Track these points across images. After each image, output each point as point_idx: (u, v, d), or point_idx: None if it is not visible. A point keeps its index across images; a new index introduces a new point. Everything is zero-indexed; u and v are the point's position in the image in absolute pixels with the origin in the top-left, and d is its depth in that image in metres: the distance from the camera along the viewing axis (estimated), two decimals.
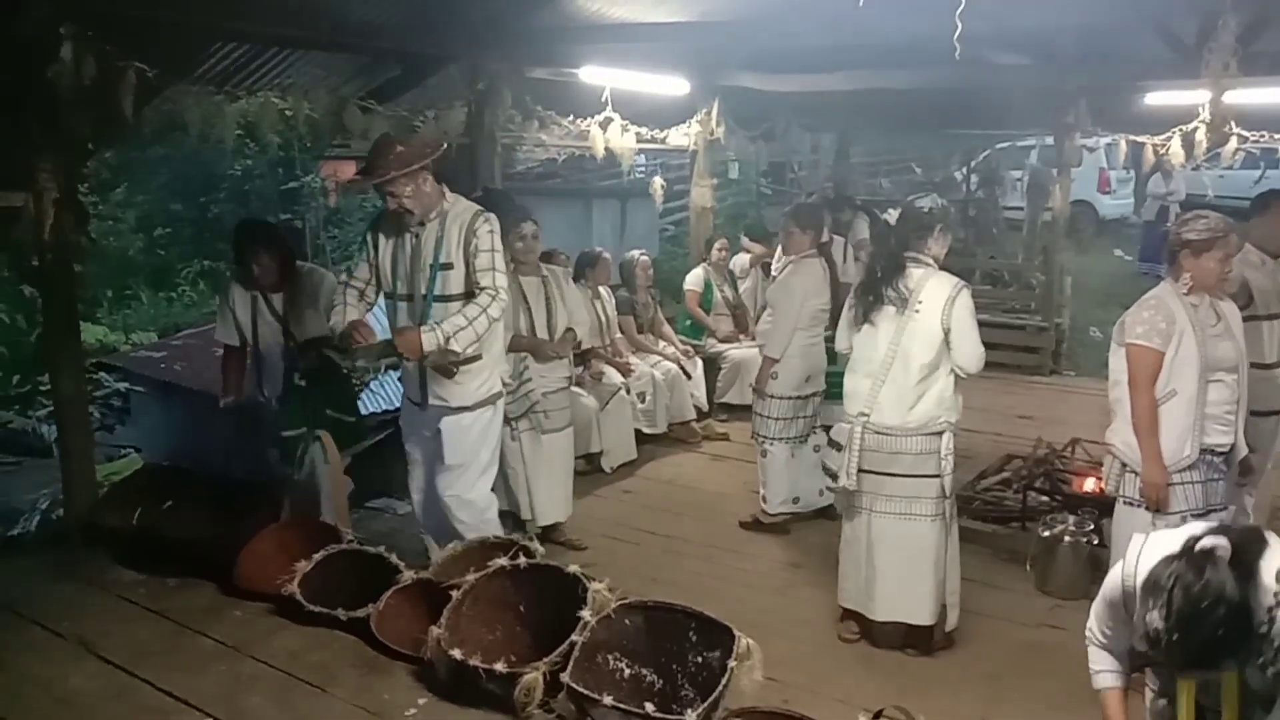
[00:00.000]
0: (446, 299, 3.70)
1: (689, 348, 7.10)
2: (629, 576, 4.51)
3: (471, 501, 3.91)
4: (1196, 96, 7.47)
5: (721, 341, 7.32)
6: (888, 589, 3.78)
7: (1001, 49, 7.08)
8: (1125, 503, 3.50)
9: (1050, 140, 15.16)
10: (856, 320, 3.72)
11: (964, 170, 13.95)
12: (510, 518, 4.91)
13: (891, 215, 3.72)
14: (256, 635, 3.54)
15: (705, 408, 7.00)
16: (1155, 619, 1.87)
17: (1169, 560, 1.92)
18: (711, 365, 7.17)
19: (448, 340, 3.54)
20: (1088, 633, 2.42)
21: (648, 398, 6.48)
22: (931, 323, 3.57)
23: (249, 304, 4.47)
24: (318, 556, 3.66)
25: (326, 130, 5.39)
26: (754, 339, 7.34)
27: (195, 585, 3.92)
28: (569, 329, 4.98)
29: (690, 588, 4.43)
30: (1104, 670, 2.39)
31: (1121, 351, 3.41)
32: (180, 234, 15.32)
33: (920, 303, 3.58)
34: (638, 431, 6.36)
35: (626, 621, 3.03)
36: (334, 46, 5.48)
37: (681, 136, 7.69)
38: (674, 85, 7.20)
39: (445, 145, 3.76)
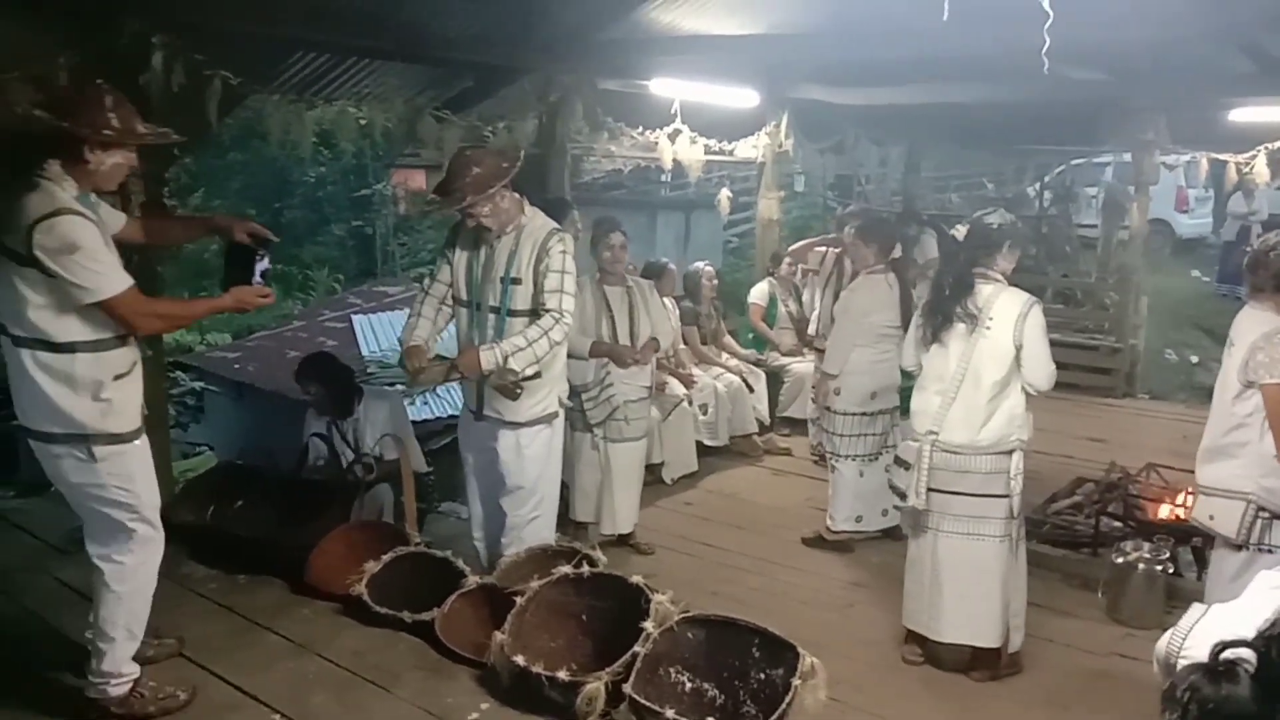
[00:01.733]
0: (513, 314, 3.70)
1: (753, 357, 7.07)
2: (688, 589, 4.49)
3: (537, 523, 3.91)
4: None
5: (784, 355, 7.27)
6: (953, 610, 3.71)
7: (1078, 64, 6.92)
8: (1263, 549, 3.37)
9: (1127, 157, 14.90)
10: (925, 340, 3.67)
11: (1037, 186, 13.67)
12: (571, 525, 4.95)
13: (960, 231, 3.67)
14: (323, 634, 3.60)
15: (767, 421, 6.95)
16: None
17: (1191, 670, 1.86)
18: (774, 379, 7.13)
19: (506, 360, 3.53)
20: None
21: (710, 410, 6.46)
22: (1003, 339, 3.51)
23: (325, 427, 4.76)
24: (385, 558, 3.71)
25: (401, 139, 5.49)
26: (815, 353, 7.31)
27: (265, 582, 4.00)
28: (652, 337, 4.99)
29: (750, 603, 4.40)
30: None
31: (1249, 392, 3.29)
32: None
33: (991, 319, 3.52)
34: (699, 443, 6.34)
35: (689, 634, 3.02)
36: (410, 57, 5.59)
37: (750, 148, 7.67)
38: (743, 97, 7.19)
39: (520, 160, 3.73)
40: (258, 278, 3.27)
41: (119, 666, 3.10)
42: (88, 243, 2.82)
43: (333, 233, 15.69)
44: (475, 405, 3.88)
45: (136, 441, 3.05)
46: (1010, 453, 3.59)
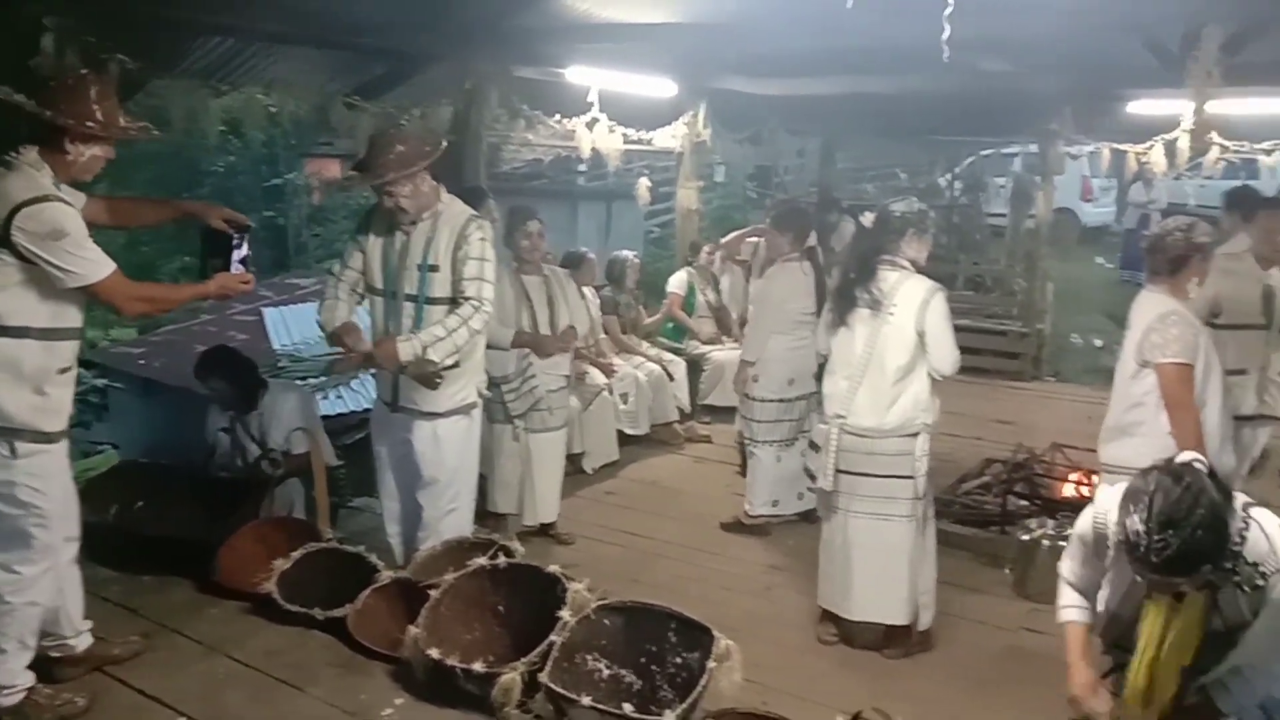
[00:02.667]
0: (431, 302, 3.63)
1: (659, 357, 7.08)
2: (610, 578, 4.50)
3: (454, 516, 3.86)
4: (1179, 105, 7.58)
5: (704, 344, 7.32)
6: (863, 589, 3.80)
7: (988, 55, 7.09)
8: None
9: (1034, 148, 15.35)
10: (833, 323, 3.74)
11: (948, 176, 14.00)
12: (491, 517, 4.92)
13: (867, 219, 3.74)
14: (234, 634, 3.51)
15: (688, 409, 7.00)
16: (1135, 523, 1.94)
17: (1145, 473, 1.98)
18: (694, 367, 7.18)
19: (425, 350, 3.47)
20: (1059, 569, 2.58)
21: (631, 398, 6.48)
22: (906, 326, 3.59)
23: (229, 423, 4.59)
24: (296, 555, 3.64)
25: (312, 127, 5.37)
26: (737, 341, 7.38)
27: (172, 583, 3.89)
28: (570, 326, 4.97)
29: (671, 589, 4.42)
30: (1069, 605, 2.54)
31: (1144, 372, 3.37)
32: (162, 230, 15.20)
33: (894, 306, 3.60)
34: (620, 432, 6.35)
35: (606, 622, 3.02)
36: (320, 43, 5.45)
37: (668, 138, 7.68)
38: (661, 87, 7.20)
39: (443, 145, 3.70)
40: (237, 264, 3.25)
41: (12, 678, 3.00)
42: (74, 229, 2.84)
43: None
44: (390, 397, 3.80)
45: (60, 444, 3.00)
46: (915, 435, 3.68)
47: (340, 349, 3.72)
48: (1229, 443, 3.39)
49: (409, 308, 3.65)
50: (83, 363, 8.60)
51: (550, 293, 4.93)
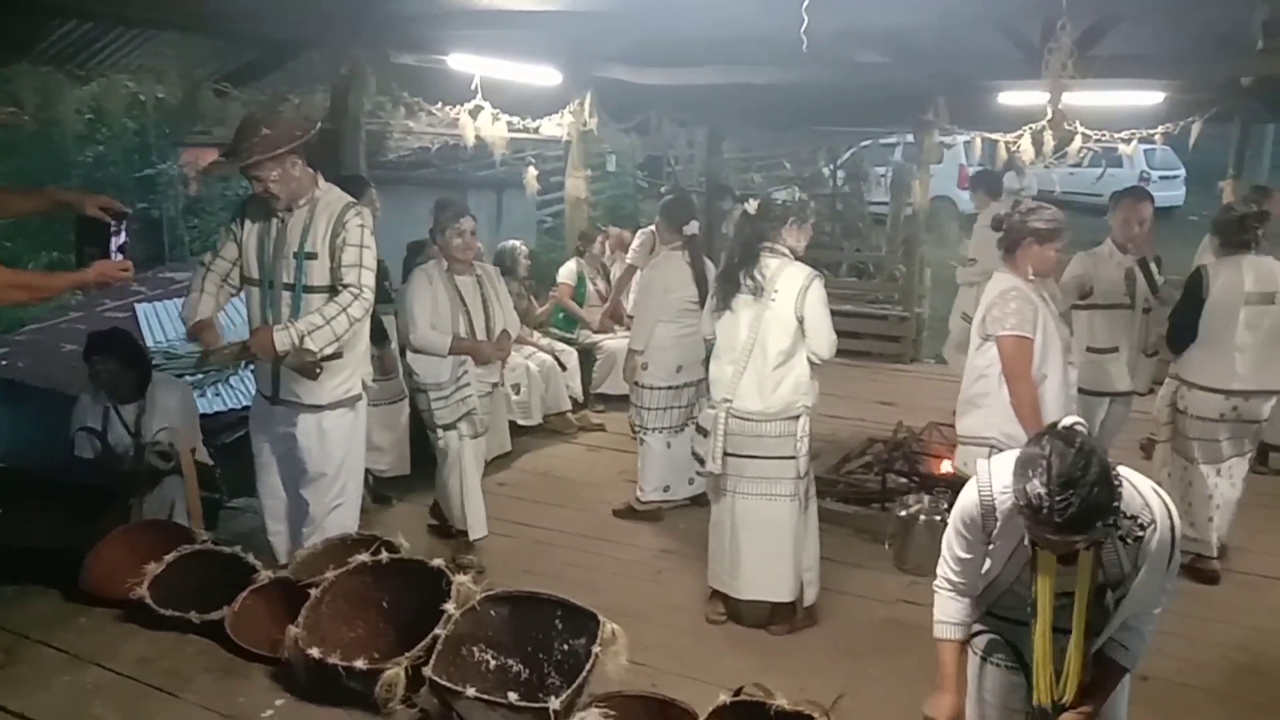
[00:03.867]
0: (309, 290, 3.53)
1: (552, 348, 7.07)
2: (502, 570, 4.50)
3: (340, 511, 3.77)
4: (1043, 96, 7.93)
5: (596, 333, 7.34)
6: (751, 568, 3.88)
7: (862, 47, 7.29)
8: None
9: (911, 138, 15.84)
10: (718, 308, 3.80)
11: (831, 166, 14.34)
12: (438, 531, 4.89)
13: (752, 206, 3.81)
14: (104, 643, 3.34)
15: (581, 398, 7.01)
16: (1036, 486, 1.99)
17: (1037, 439, 2.07)
18: (587, 356, 7.19)
19: (302, 340, 3.38)
20: (938, 581, 2.52)
21: (523, 389, 6.46)
22: (786, 311, 3.67)
23: (100, 417, 4.26)
24: (169, 558, 3.49)
25: (181, 115, 5.16)
26: (628, 330, 7.41)
27: (36, 593, 3.66)
28: (504, 331, 4.86)
29: (563, 578, 4.45)
30: (947, 621, 2.50)
31: (987, 345, 3.51)
32: (26, 225, 14.38)
33: (776, 291, 3.68)
34: (512, 424, 6.32)
35: (492, 613, 2.99)
36: (186, 27, 5.24)
37: (554, 127, 7.65)
38: (545, 75, 7.16)
39: (315, 128, 3.60)
40: (115, 252, 3.14)
41: None
42: None
43: None
44: (270, 390, 3.69)
45: None
46: (797, 418, 3.77)
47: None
48: (1071, 415, 3.57)
49: (286, 296, 3.56)
50: None
51: (484, 294, 4.81)
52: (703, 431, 3.91)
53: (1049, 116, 4.93)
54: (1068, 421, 2.13)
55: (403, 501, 5.42)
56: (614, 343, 7.22)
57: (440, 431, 4.69)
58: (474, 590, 3.02)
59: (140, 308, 8.49)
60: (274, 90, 5.52)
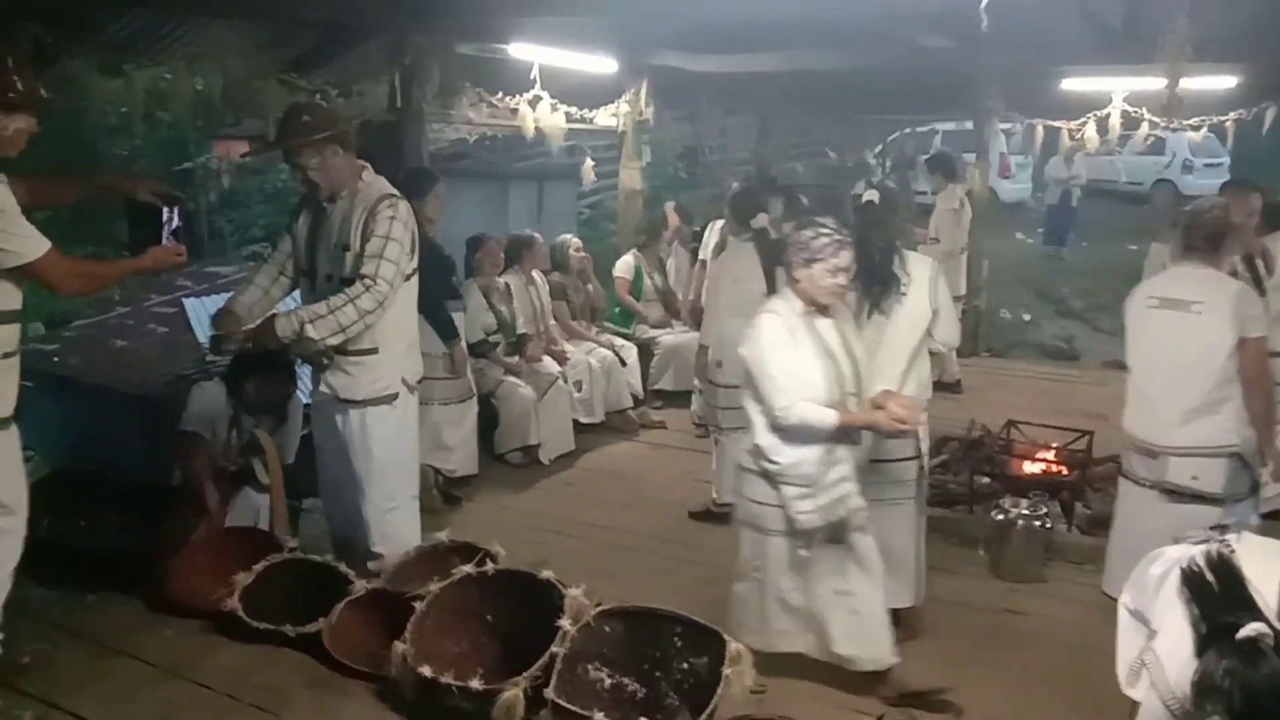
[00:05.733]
0: (345, 281, 3.45)
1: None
2: (577, 574, 4.31)
3: (396, 515, 3.64)
4: (1111, 82, 7.71)
5: (653, 327, 7.18)
6: None
7: (924, 30, 7.08)
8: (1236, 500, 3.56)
9: (952, 125, 15.59)
10: (869, 312, 3.58)
11: (877, 154, 14.11)
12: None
13: (874, 196, 3.62)
14: (192, 655, 3.24)
15: (641, 395, 6.85)
16: None
17: (1218, 659, 1.80)
18: (644, 352, 7.02)
19: (303, 327, 3.30)
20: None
21: (585, 386, 6.30)
22: (920, 303, 3.51)
23: (225, 423, 4.07)
24: (258, 567, 3.37)
25: (240, 105, 5.02)
26: (685, 325, 7.25)
27: (117, 602, 3.57)
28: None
29: (646, 583, 4.28)
30: None
31: (1236, 348, 3.40)
32: (60, 217, 14.36)
33: (907, 285, 3.52)
34: (574, 421, 6.17)
35: (606, 629, 2.86)
36: (247, 13, 5.09)
37: (609, 117, 7.48)
38: (601, 64, 7.00)
39: (357, 120, 3.70)
40: (168, 237, 3.15)
41: None
42: (7, 206, 2.73)
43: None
44: (314, 383, 3.66)
45: (9, 430, 2.95)
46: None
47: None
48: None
49: (327, 288, 3.51)
50: None
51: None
52: None
53: (1164, 101, 4.70)
54: (1249, 632, 1.78)
55: (471, 502, 5.27)
56: (672, 338, 7.06)
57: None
58: (586, 605, 2.88)
59: (187, 303, 8.40)
60: (334, 80, 5.34)
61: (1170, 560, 2.03)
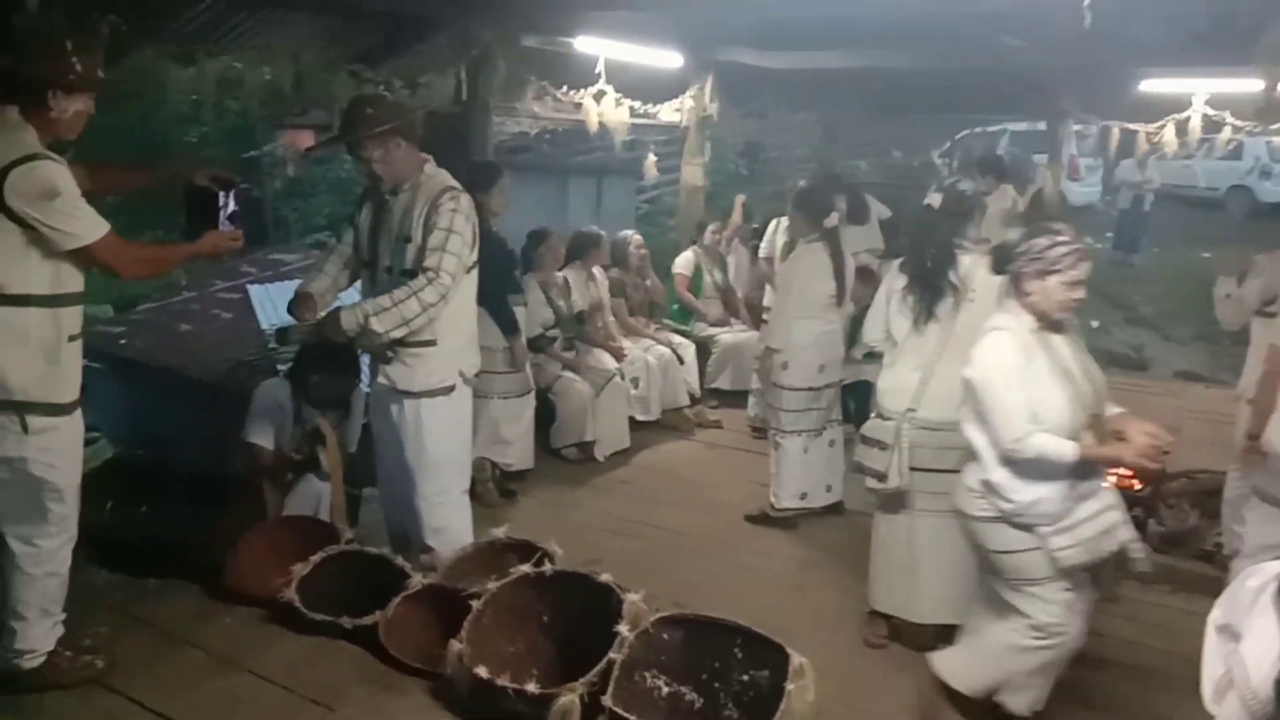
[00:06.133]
0: (405, 274, 3.43)
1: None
2: (635, 575, 4.24)
3: (444, 510, 3.61)
4: (1196, 84, 7.45)
5: (712, 325, 7.09)
6: (934, 590, 3.60)
7: (1000, 30, 6.90)
8: None
9: (1023, 126, 15.23)
10: (922, 318, 3.48)
11: (943, 154, 13.84)
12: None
13: (935, 199, 3.50)
14: (251, 645, 3.24)
15: (697, 394, 6.77)
16: None
17: None
18: (702, 350, 6.94)
19: (367, 320, 3.27)
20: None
21: (641, 384, 6.24)
22: (988, 311, 3.38)
23: (290, 416, 4.06)
24: (315, 559, 3.37)
25: (310, 96, 5.04)
26: (744, 323, 7.15)
27: (178, 588, 3.60)
28: None
29: (702, 587, 4.22)
30: None
31: None
32: (130, 203, 14.69)
33: (973, 291, 3.40)
34: (630, 419, 6.11)
35: (665, 636, 2.80)
36: (317, 6, 5.12)
37: (672, 112, 7.41)
38: (666, 58, 6.93)
39: (420, 111, 3.62)
40: (225, 222, 3.18)
41: (34, 643, 2.98)
42: (67, 188, 2.74)
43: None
44: (373, 373, 3.65)
45: (74, 415, 2.94)
46: None
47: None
48: None
49: (387, 280, 3.50)
50: None
51: None
52: (875, 444, 3.61)
53: (1260, 105, 4.48)
54: None
55: (526, 497, 5.25)
56: (730, 336, 6.97)
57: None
58: (645, 610, 2.82)
59: (252, 289, 8.51)
60: (405, 72, 5.35)
61: (1268, 574, 1.93)
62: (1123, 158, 12.80)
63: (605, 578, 2.91)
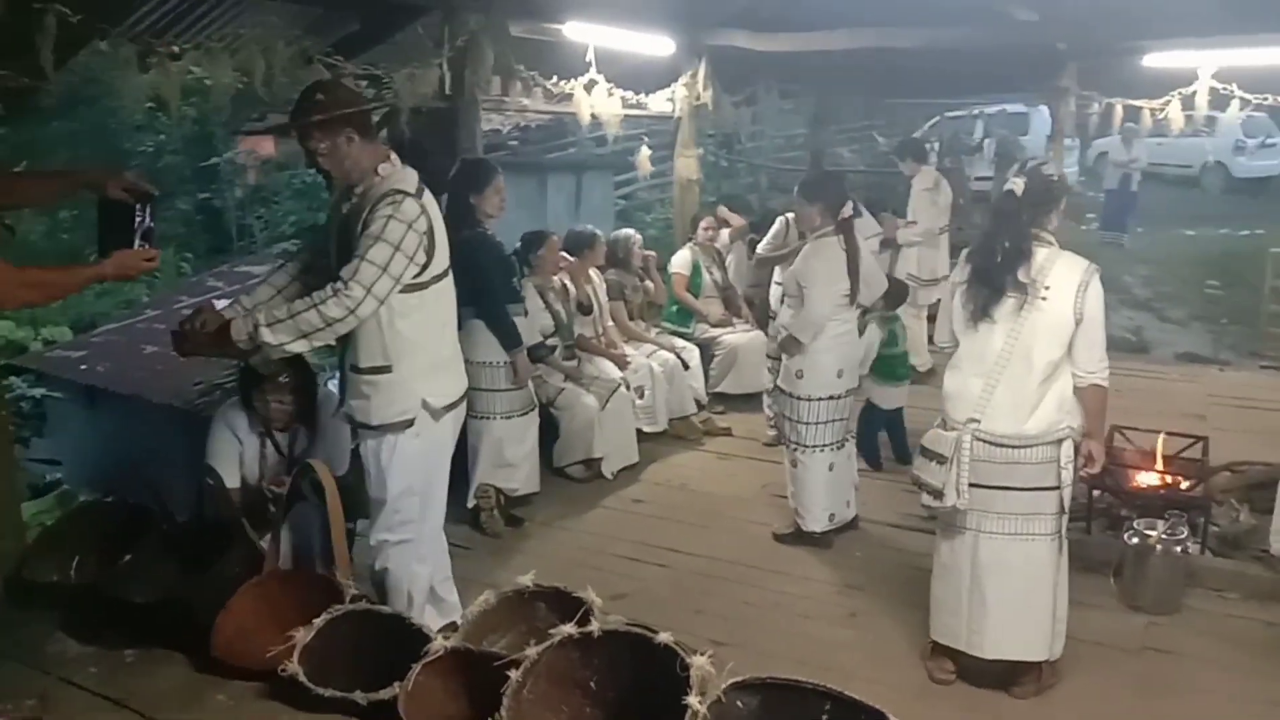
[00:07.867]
0: None
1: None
2: (667, 608, 3.91)
3: (406, 549, 3.23)
4: (1197, 58, 7.17)
5: (714, 326, 6.71)
6: (999, 622, 3.25)
7: (1017, 4, 6.58)
8: None
9: (994, 110, 15.00)
10: (975, 316, 3.13)
11: (931, 139, 13.53)
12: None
13: (1018, 185, 3.12)
14: None
15: (704, 400, 6.38)
16: None
17: None
18: (704, 353, 6.55)
19: (257, 329, 2.88)
20: None
21: (646, 392, 5.84)
22: (1061, 312, 3.03)
23: (256, 446, 3.75)
24: (319, 622, 2.94)
25: (281, 93, 4.57)
26: (748, 323, 6.78)
27: (160, 659, 3.14)
28: None
29: (746, 620, 3.87)
30: None
31: None
32: (86, 216, 14.05)
33: (1047, 289, 3.03)
34: (637, 431, 5.72)
35: (739, 703, 2.41)
36: None
37: (663, 102, 7.01)
38: (658, 44, 6.53)
39: (374, 103, 3.45)
40: (139, 239, 2.80)
41: None
42: None
43: (177, 207, 14.04)
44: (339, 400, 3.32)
45: None
46: (1061, 441, 3.12)
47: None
48: None
49: None
50: (13, 369, 7.67)
51: None
52: (934, 457, 3.25)
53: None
54: None
55: (534, 523, 4.84)
56: (734, 337, 6.60)
57: None
58: (713, 674, 2.43)
59: (219, 305, 8.06)
60: (382, 64, 4.90)
61: None
62: (1098, 138, 12.55)
63: (664, 638, 2.51)
